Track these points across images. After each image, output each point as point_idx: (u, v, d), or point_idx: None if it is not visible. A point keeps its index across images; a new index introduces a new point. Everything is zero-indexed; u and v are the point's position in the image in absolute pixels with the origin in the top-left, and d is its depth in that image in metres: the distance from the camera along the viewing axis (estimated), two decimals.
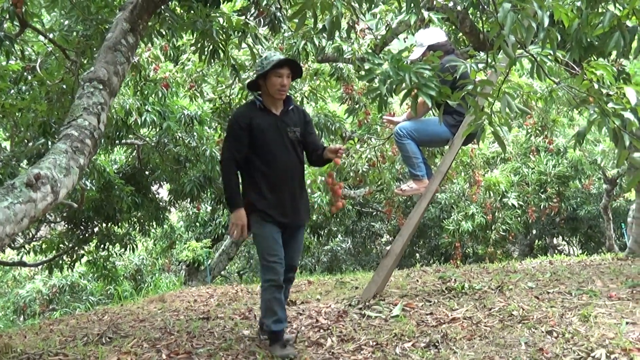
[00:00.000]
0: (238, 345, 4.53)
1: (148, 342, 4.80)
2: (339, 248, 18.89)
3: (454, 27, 7.12)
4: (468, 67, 3.54)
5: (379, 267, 5.57)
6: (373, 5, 5.10)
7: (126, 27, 4.02)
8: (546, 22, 3.27)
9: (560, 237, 20.03)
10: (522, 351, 4.00)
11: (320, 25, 5.36)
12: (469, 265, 9.11)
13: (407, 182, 5.67)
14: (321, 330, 4.76)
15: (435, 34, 5.48)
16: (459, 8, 6.90)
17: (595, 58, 5.37)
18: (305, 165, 4.76)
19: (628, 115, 3.35)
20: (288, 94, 4.54)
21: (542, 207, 12.86)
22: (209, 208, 14.62)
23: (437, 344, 4.28)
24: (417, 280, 6.82)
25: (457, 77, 3.86)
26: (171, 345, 4.68)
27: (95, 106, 3.64)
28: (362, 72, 3.55)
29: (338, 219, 16.29)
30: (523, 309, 4.87)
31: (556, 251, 19.21)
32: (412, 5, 3.79)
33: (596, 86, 3.58)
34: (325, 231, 17.09)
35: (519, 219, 12.66)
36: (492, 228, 12.31)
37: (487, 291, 5.66)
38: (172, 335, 5.03)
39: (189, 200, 12.03)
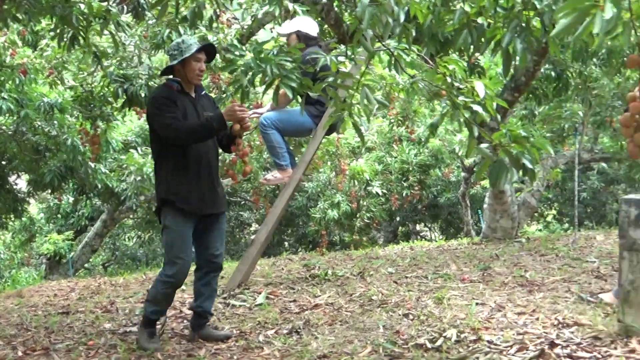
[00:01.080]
0: (99, 339, 4.43)
1: (3, 339, 4.59)
2: (251, 238, 18.74)
3: (319, 18, 7.23)
4: (328, 59, 3.63)
5: (244, 256, 5.62)
6: None
7: None
8: (402, 17, 3.40)
9: (423, 224, 20.80)
10: (380, 334, 4.16)
11: (184, 14, 5.28)
12: (334, 253, 9.33)
13: (272, 171, 5.75)
14: (185, 321, 4.75)
15: (309, 25, 5.58)
16: (324, 0, 7.03)
17: (452, 53, 5.65)
18: None
19: (477, 107, 3.55)
20: None
21: (404, 194, 13.33)
22: (71, 199, 14.10)
23: (299, 330, 4.37)
24: (283, 269, 6.92)
25: (318, 69, 3.94)
26: (28, 341, 4.51)
27: None
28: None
29: None
30: (382, 294, 5.07)
31: (419, 237, 19.96)
32: None
33: (449, 80, 3.77)
34: None
35: (382, 206, 13.05)
36: (357, 216, 12.63)
37: (349, 277, 5.84)
38: (29, 331, 4.85)
39: (49, 191, 11.57)
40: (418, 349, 3.81)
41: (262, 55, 3.37)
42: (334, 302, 4.98)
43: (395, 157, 13.16)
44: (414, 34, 3.62)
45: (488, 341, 3.82)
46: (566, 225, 18.05)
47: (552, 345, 3.65)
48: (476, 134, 3.52)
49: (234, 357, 3.95)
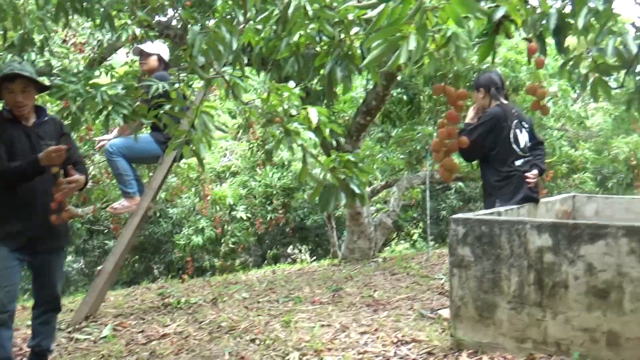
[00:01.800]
0: None
1: None
2: (70, 269, 18.04)
3: (172, 44, 7.20)
4: (161, 86, 3.63)
5: (91, 287, 5.46)
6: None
7: None
8: (234, 45, 3.46)
9: (292, 246, 20.92)
10: None
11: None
12: (195, 279, 9.21)
13: (120, 200, 5.62)
14: (24, 358, 4.55)
15: (166, 51, 5.58)
16: (177, 25, 7.02)
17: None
18: None
19: (309, 134, 3.64)
20: (41, 105, 4.08)
21: (269, 218, 13.38)
22: None
23: None
24: (137, 299, 6.76)
25: (154, 95, 3.91)
26: None
27: None
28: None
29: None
30: (232, 320, 5.06)
31: (289, 259, 20.05)
32: (107, 23, 3.79)
33: (286, 106, 3.85)
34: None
35: (248, 230, 13.06)
36: (222, 241, 12.58)
37: (201, 305, 5.80)
38: None
39: None
40: None
41: (92, 82, 3.32)
42: (182, 330, 4.92)
43: (259, 181, 13.21)
44: (245, 61, 3.67)
45: None
46: (432, 242, 18.72)
47: None
48: (309, 159, 3.61)
49: None
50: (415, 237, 20.57)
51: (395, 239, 20.02)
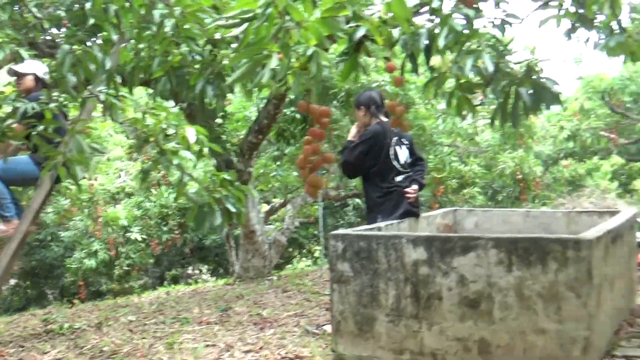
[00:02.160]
0: None
1: None
2: None
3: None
4: (30, 106, 3.53)
5: None
6: None
7: None
8: (108, 65, 3.41)
9: (192, 267, 20.64)
10: None
11: None
12: (85, 304, 8.92)
13: None
14: None
15: (44, 69, 5.40)
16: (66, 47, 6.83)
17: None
18: None
19: (186, 153, 3.63)
20: None
21: (165, 239, 13.14)
22: None
23: None
24: (20, 326, 6.49)
25: (27, 116, 3.78)
26: None
27: None
28: None
29: None
30: (115, 344, 4.92)
31: (190, 280, 19.76)
32: None
33: (164, 126, 3.82)
34: None
35: (144, 252, 12.78)
36: (116, 264, 12.27)
37: (85, 329, 5.62)
38: None
39: None
40: None
41: None
42: (62, 357, 4.75)
43: (155, 202, 12.97)
44: (120, 79, 3.62)
45: None
46: (327, 259, 18.86)
47: None
48: (185, 179, 3.59)
49: None
50: (316, 254, 20.73)
51: (297, 257, 20.09)
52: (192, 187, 3.63)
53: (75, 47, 3.18)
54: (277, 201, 12.97)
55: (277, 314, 5.58)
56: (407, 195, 4.87)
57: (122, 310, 6.75)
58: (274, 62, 2.38)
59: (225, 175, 3.40)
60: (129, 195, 13.58)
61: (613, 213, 5.14)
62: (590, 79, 15.50)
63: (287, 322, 5.23)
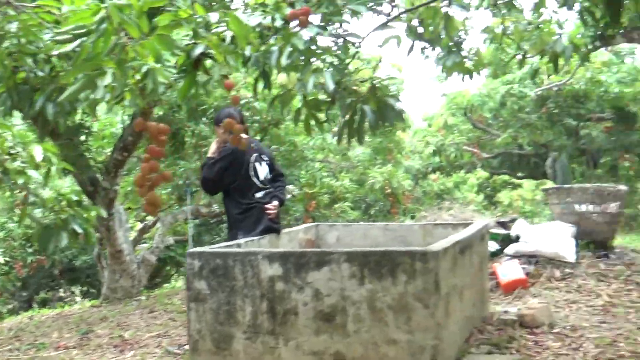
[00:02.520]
0: None
1: None
2: None
3: None
4: None
5: None
6: None
7: None
8: None
9: (62, 289, 19.82)
10: None
11: None
12: None
13: None
14: None
15: None
16: None
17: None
18: None
19: (32, 172, 3.48)
20: None
21: (30, 261, 12.56)
22: None
23: None
24: None
25: None
26: None
27: None
28: None
29: None
30: None
31: (62, 302, 18.96)
32: None
33: (11, 144, 3.66)
34: None
35: (8, 276, 12.18)
36: None
37: None
38: None
39: None
40: None
41: None
42: None
43: (17, 221, 12.38)
44: None
45: None
46: None
47: None
48: (30, 199, 3.45)
49: None
50: None
51: (174, 275, 19.70)
52: (37, 208, 3.49)
53: None
54: (150, 219, 12.69)
55: (139, 335, 5.45)
56: (268, 211, 4.88)
57: None
58: (108, 79, 2.33)
59: (72, 195, 3.29)
60: None
61: (466, 225, 5.34)
62: (453, 95, 16.14)
63: (149, 343, 5.12)
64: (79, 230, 3.21)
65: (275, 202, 4.96)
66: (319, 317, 3.66)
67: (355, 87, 3.11)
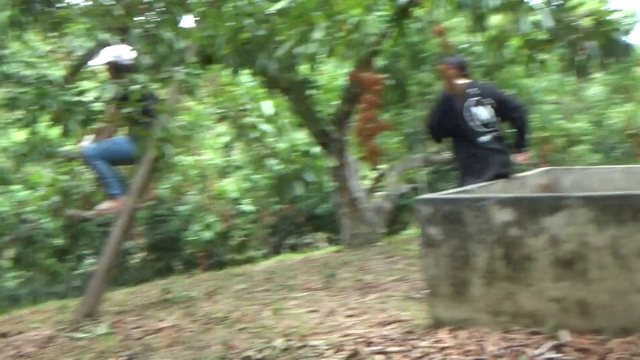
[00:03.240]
0: None
1: None
2: (92, 270, 18.15)
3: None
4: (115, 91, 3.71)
5: (87, 287, 5.59)
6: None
7: None
8: (179, 45, 3.52)
9: (307, 236, 20.99)
10: (216, 350, 4.26)
11: None
12: (201, 274, 9.32)
13: (105, 201, 5.75)
14: (23, 359, 4.69)
15: (122, 53, 5.60)
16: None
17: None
18: None
19: (264, 126, 3.73)
20: None
21: (276, 209, 13.47)
22: None
23: (137, 356, 4.41)
24: (140, 296, 6.90)
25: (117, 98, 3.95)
26: None
27: None
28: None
29: (85, 244, 15.78)
30: (225, 311, 5.17)
31: (307, 248, 20.15)
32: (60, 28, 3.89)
33: (244, 100, 3.94)
34: (74, 256, 16.41)
35: (256, 223, 13.19)
36: (231, 235, 12.73)
37: (198, 298, 5.92)
38: None
39: None
40: None
41: (43, 91, 3.41)
42: (177, 324, 5.04)
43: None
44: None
45: (312, 346, 3.99)
46: None
47: (368, 343, 3.86)
48: (265, 151, 3.70)
49: None
50: None
51: (410, 222, 20.05)
52: (272, 160, 3.73)
53: (146, 30, 3.31)
54: (382, 168, 12.98)
55: (380, 279, 5.67)
56: (517, 159, 4.85)
57: (234, 279, 7.03)
58: (319, 33, 2.42)
59: (304, 147, 3.48)
60: (238, 168, 13.98)
61: None
62: None
63: (389, 287, 5.31)
64: (311, 180, 3.39)
65: (523, 155, 4.91)
66: (557, 263, 3.56)
67: (577, 23, 2.93)
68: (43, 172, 10.83)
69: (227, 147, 4.32)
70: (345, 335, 4.09)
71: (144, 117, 3.74)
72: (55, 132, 3.70)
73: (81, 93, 3.46)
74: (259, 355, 3.99)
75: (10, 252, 14.74)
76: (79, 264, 17.59)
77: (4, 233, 10.63)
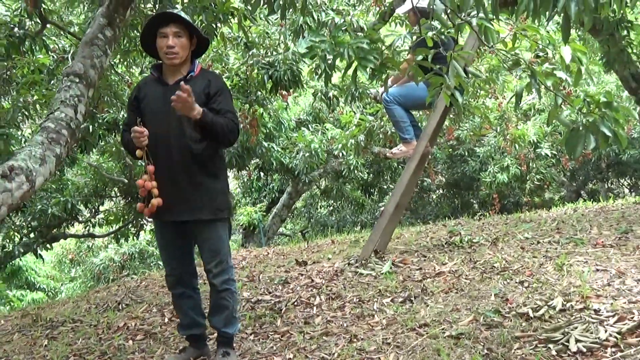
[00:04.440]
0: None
1: (157, 307, 5.03)
2: (381, 208, 18.77)
3: None
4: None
5: (375, 226, 5.64)
6: None
7: (103, 22, 4.14)
8: None
9: (610, 181, 19.38)
10: (490, 302, 4.02)
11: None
12: (493, 217, 8.99)
13: (398, 145, 5.71)
14: (313, 289, 4.88)
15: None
16: None
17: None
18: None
19: (560, 74, 3.31)
20: (197, 60, 3.60)
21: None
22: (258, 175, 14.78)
23: (414, 298, 4.34)
24: (427, 236, 6.83)
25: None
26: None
27: (72, 98, 3.80)
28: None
29: (388, 178, 16.27)
30: (506, 261, 4.87)
31: (610, 195, 18.62)
32: None
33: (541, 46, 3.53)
34: (377, 189, 17.07)
35: (553, 167, 12.42)
36: (527, 178, 12.14)
37: (482, 244, 5.66)
38: None
39: (236, 169, 12.22)
40: (519, 318, 3.65)
41: (338, 40, 3.35)
42: (457, 269, 4.86)
43: (547, 122, 12.40)
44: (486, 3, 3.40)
45: (594, 310, 3.56)
46: None
47: None
48: (559, 101, 3.28)
49: (344, 325, 4.02)
50: None
51: None
52: (566, 110, 3.30)
53: None
54: None
55: None
56: None
57: (522, 226, 6.63)
58: None
59: (602, 97, 3.00)
60: (540, 112, 13.23)
61: None
62: None
63: None
64: (608, 134, 2.93)
65: None
66: None
67: None
68: (352, 113, 11.24)
69: (519, 95, 3.89)
70: (634, 302, 3.59)
71: (438, 63, 3.53)
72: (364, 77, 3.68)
73: (376, 40, 3.33)
74: (536, 314, 3.67)
75: (322, 184, 15.79)
76: (382, 197, 18.26)
77: (316, 166, 11.31)
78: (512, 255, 5.05)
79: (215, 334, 3.68)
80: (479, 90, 9.90)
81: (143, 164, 3.39)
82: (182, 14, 3.49)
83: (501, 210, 12.72)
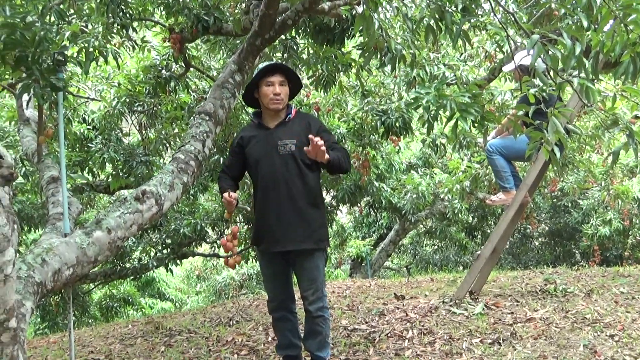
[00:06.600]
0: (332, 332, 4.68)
1: (263, 325, 5.10)
2: (477, 252, 18.18)
3: None
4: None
5: (471, 268, 5.48)
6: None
7: (234, 68, 4.32)
8: (577, 50, 3.13)
9: None
10: (578, 352, 3.81)
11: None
12: (590, 269, 8.51)
13: (498, 193, 5.55)
14: (407, 323, 4.80)
15: (524, 57, 5.27)
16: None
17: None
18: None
19: None
20: (290, 104, 3.73)
21: None
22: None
23: (502, 341, 4.17)
24: (523, 282, 6.56)
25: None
26: None
27: (202, 134, 3.98)
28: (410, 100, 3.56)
29: (492, 222, 15.81)
30: (598, 313, 4.59)
31: None
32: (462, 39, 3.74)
33: None
34: (480, 232, 16.62)
35: None
36: (630, 233, 11.44)
37: (576, 294, 5.36)
38: None
39: (348, 205, 12.26)
40: None
41: (441, 92, 3.33)
42: (548, 317, 4.63)
43: None
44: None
45: None
46: None
47: None
48: None
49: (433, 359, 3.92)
50: None
51: None
52: None
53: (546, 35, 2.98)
54: None
55: None
56: None
57: (618, 280, 6.22)
58: None
59: None
60: None
61: None
62: None
63: None
64: None
65: None
66: None
67: None
68: (460, 160, 11.08)
69: (616, 153, 3.67)
70: None
71: (539, 119, 3.45)
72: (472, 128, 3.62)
73: (476, 95, 3.28)
74: None
75: (427, 224, 15.54)
76: (484, 240, 17.71)
77: (422, 207, 11.19)
78: (605, 308, 4.76)
79: (309, 358, 3.70)
80: (584, 145, 9.48)
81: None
82: (286, 65, 3.70)
83: (602, 263, 12.04)
